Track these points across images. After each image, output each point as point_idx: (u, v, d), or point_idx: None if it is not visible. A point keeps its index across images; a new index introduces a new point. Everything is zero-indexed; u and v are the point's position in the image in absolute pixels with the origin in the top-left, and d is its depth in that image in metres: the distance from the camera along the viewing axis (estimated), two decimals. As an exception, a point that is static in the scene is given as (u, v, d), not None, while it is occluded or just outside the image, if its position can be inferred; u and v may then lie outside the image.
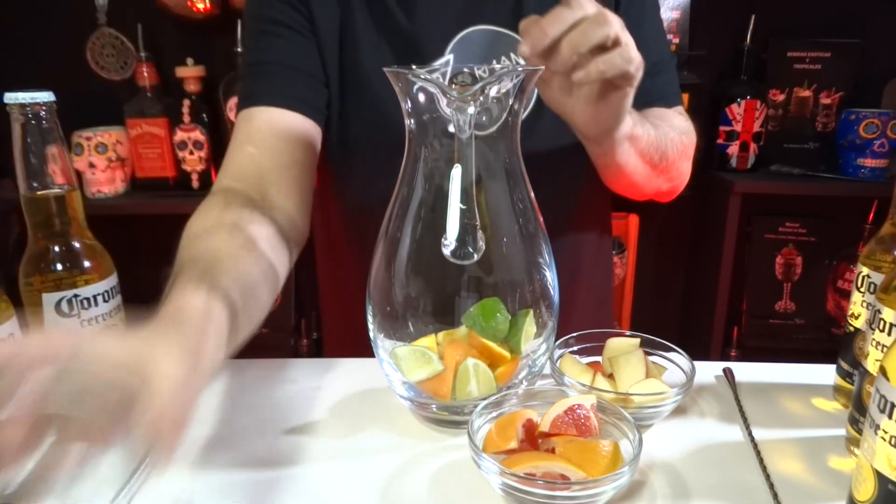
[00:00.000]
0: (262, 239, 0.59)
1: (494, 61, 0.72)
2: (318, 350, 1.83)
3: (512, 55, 0.73)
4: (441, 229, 0.51)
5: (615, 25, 0.50)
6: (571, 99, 0.57)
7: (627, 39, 0.51)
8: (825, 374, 0.62)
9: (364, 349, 0.67)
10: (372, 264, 0.56)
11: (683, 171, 0.78)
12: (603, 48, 0.49)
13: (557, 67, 0.50)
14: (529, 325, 0.54)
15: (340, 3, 0.73)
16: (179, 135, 1.56)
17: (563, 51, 0.48)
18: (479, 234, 0.51)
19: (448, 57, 0.72)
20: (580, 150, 0.71)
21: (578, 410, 0.49)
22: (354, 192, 0.79)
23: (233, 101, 1.52)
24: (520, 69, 0.50)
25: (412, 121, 0.54)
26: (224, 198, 0.63)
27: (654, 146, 0.70)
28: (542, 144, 0.71)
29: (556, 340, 0.59)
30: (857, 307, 0.57)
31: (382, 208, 0.57)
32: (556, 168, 0.71)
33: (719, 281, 1.65)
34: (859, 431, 0.49)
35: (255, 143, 0.69)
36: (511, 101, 0.53)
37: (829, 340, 1.77)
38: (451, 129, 0.55)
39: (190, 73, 1.56)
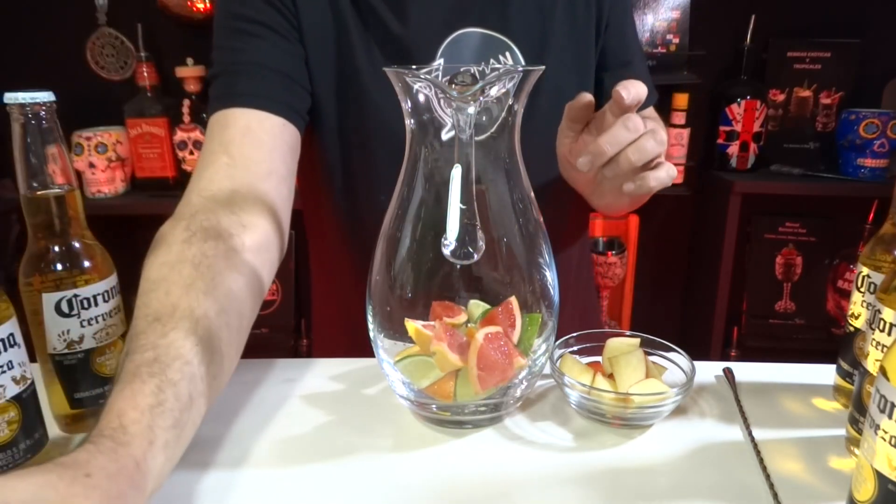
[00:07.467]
0: (229, 280, 0.54)
1: (484, 64, 0.72)
2: (318, 350, 1.84)
3: (500, 57, 0.72)
4: (441, 229, 0.51)
5: (665, 145, 0.58)
6: (600, 189, 0.65)
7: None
8: (825, 374, 0.62)
9: (355, 350, 0.67)
10: (372, 264, 0.56)
11: None
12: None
13: (610, 175, 0.57)
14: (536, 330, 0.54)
15: (332, 8, 0.70)
16: (179, 135, 1.56)
17: (622, 165, 0.56)
18: (479, 234, 0.51)
19: (439, 61, 0.71)
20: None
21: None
22: (354, 202, 0.77)
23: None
24: (520, 69, 0.50)
25: (412, 121, 0.54)
26: (187, 228, 0.55)
27: None
28: (527, 142, 0.71)
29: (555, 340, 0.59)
30: (857, 307, 0.57)
31: (380, 216, 0.56)
32: (539, 166, 0.71)
33: (719, 281, 1.65)
34: (859, 431, 0.49)
35: (229, 153, 0.63)
36: (511, 101, 0.53)
37: (829, 340, 1.77)
38: (444, 135, 0.55)
39: (190, 72, 1.56)
